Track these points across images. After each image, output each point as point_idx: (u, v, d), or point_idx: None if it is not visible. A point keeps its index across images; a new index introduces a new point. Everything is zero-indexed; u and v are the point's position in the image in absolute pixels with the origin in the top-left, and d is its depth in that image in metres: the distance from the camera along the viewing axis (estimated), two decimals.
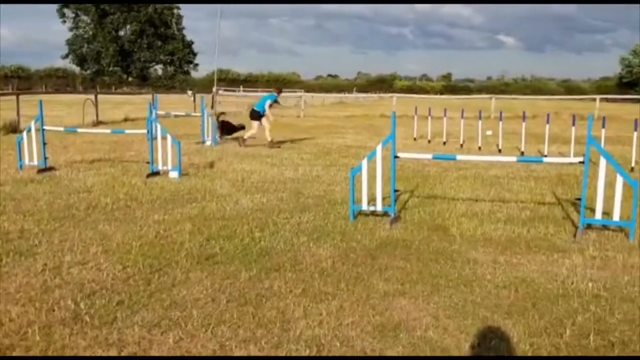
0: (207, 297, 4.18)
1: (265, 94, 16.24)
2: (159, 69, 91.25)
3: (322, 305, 4.08)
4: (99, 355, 3.31)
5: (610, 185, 6.18)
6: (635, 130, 11.19)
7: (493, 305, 4.09)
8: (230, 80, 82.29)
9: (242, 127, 15.89)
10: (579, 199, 6.68)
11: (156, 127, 9.70)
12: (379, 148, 6.69)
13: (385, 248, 5.55)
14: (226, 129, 15.79)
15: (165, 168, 9.64)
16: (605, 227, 6.28)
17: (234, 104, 34.50)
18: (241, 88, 62.11)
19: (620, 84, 76.64)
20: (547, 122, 13.72)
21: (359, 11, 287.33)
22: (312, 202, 7.69)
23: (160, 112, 17.24)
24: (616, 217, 6.08)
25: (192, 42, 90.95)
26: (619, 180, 6.02)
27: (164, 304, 4.07)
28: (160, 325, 3.71)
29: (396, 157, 6.83)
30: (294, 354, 3.36)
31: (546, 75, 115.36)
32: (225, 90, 49.51)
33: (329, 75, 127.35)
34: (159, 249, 5.38)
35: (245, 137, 14.73)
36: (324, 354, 3.36)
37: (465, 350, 3.40)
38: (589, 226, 6.28)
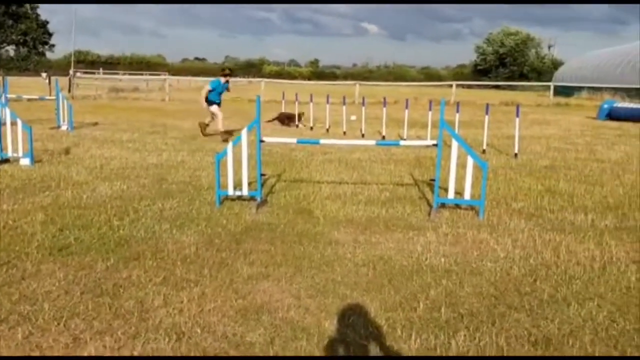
0: (59, 290, 3.96)
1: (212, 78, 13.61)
2: (10, 49, 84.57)
3: (184, 292, 4.00)
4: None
5: (462, 167, 6.57)
6: (487, 114, 11.97)
7: (352, 283, 4.22)
8: (89, 62, 78.18)
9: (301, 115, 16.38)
10: (434, 180, 7.05)
11: (5, 111, 9.01)
12: (244, 132, 6.65)
13: (250, 232, 5.55)
14: (287, 118, 16.30)
15: (15, 155, 8.99)
16: (457, 206, 6.67)
17: (93, 87, 32.79)
18: (101, 70, 59.27)
19: (475, 71, 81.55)
20: (406, 107, 14.34)
21: None
22: (176, 188, 7.52)
23: (11, 96, 16.02)
24: (467, 196, 6.49)
25: (47, 22, 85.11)
26: (470, 162, 6.41)
27: (12, 298, 3.81)
28: (8, 320, 3.47)
29: (261, 141, 6.83)
30: (152, 342, 3.27)
31: (408, 63, 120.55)
32: (84, 72, 46.98)
33: (196, 59, 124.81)
34: (8, 240, 5.02)
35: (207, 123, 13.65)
36: (184, 341, 3.30)
37: (324, 327, 3.49)
38: (442, 205, 6.65)
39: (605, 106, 22.40)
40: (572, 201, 7.10)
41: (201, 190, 7.40)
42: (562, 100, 32.94)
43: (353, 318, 3.62)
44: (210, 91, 13.17)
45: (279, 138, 11.01)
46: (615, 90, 33.22)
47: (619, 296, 4.05)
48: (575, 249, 5.11)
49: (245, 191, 6.73)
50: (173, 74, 51.19)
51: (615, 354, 3.23)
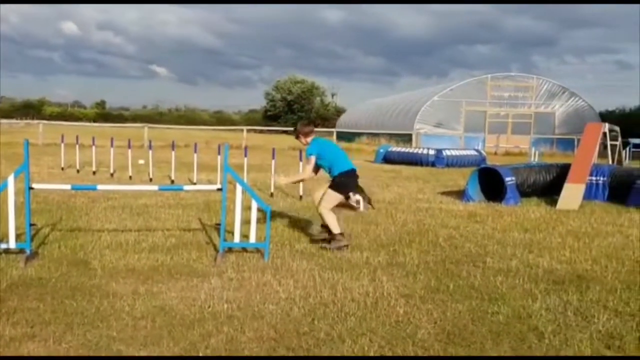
0: None
1: None
2: None
3: None
4: None
5: (249, 210, 6.64)
6: (273, 158, 12.32)
7: (129, 338, 4.00)
8: None
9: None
10: (219, 224, 7.03)
11: None
12: (10, 178, 6.09)
13: (16, 289, 5.04)
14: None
15: None
16: (244, 249, 6.71)
17: None
18: None
19: (265, 116, 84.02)
20: (195, 151, 14.27)
21: (6, 32, 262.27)
22: None
23: None
24: (252, 239, 6.57)
25: None
26: (254, 205, 6.52)
27: None
28: None
29: (31, 188, 6.30)
30: None
31: (200, 106, 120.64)
32: None
33: None
34: None
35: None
36: None
37: None
38: (229, 249, 6.65)
39: (381, 150, 24.43)
40: (349, 240, 7.52)
41: None
42: (344, 145, 35.18)
43: None
44: None
45: (51, 185, 10.28)
46: (391, 135, 36.43)
47: (389, 330, 4.33)
48: (351, 286, 5.39)
49: (12, 243, 6.11)
50: None
51: None
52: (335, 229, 7.02)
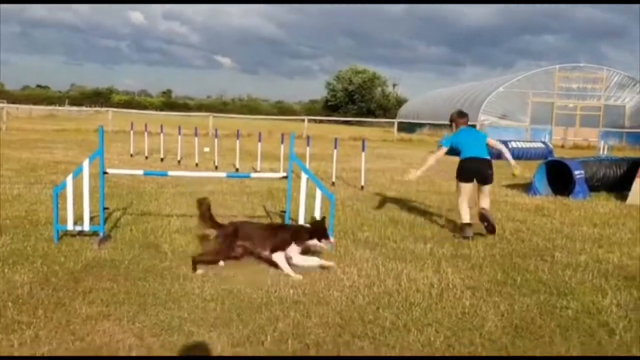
0: None
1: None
2: None
3: (14, 335, 3.69)
4: None
5: (313, 198, 6.69)
6: (335, 148, 12.37)
7: (199, 319, 4.13)
8: None
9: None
10: (284, 212, 7.12)
11: None
12: (85, 163, 6.34)
13: (91, 270, 5.26)
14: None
15: None
16: None
17: None
18: None
19: (326, 106, 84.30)
20: (259, 140, 14.47)
21: (72, 22, 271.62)
22: (10, 223, 6.97)
23: None
24: None
25: None
26: (318, 194, 6.57)
27: None
28: None
29: (105, 172, 6.54)
30: None
31: (261, 97, 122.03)
32: None
33: (38, 86, 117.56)
34: None
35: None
36: None
37: None
38: None
39: (444, 142, 24.09)
40: (413, 231, 7.50)
41: (38, 225, 6.92)
42: (405, 135, 35.00)
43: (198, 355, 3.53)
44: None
45: (124, 170, 10.62)
46: None
47: (455, 321, 4.30)
48: (415, 277, 5.38)
49: (86, 226, 6.38)
50: (12, 102, 47.65)
51: None
52: (463, 219, 7.37)
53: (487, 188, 7.60)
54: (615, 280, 5.47)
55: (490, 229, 7.29)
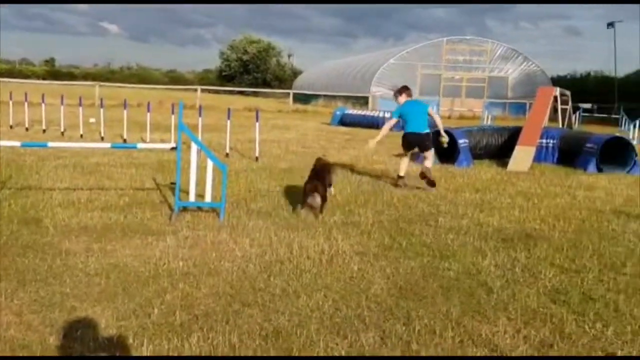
0: None
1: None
2: None
3: None
4: None
5: (205, 169, 6.58)
6: (229, 119, 12.19)
7: (83, 294, 3.98)
8: None
9: None
10: (174, 184, 6.98)
11: None
12: None
13: None
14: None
15: None
16: (199, 209, 6.68)
17: None
18: None
19: (220, 76, 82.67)
20: (148, 110, 14.01)
21: None
22: None
23: None
24: (208, 198, 6.55)
25: None
26: (210, 165, 6.48)
27: None
28: None
29: None
30: None
31: (152, 65, 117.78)
32: None
33: None
34: None
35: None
36: None
37: (48, 343, 3.23)
38: (184, 209, 6.61)
39: (338, 113, 24.43)
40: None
41: None
42: (300, 107, 35.11)
43: (81, 330, 3.41)
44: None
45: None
46: (347, 98, 36.39)
47: (343, 286, 4.41)
48: (306, 244, 5.45)
49: None
50: None
51: (338, 339, 3.49)
52: (399, 173, 9.05)
53: (427, 153, 8.99)
54: (494, 242, 5.80)
55: (430, 184, 8.66)
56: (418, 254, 5.27)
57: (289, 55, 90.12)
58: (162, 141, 13.59)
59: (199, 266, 4.73)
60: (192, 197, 6.61)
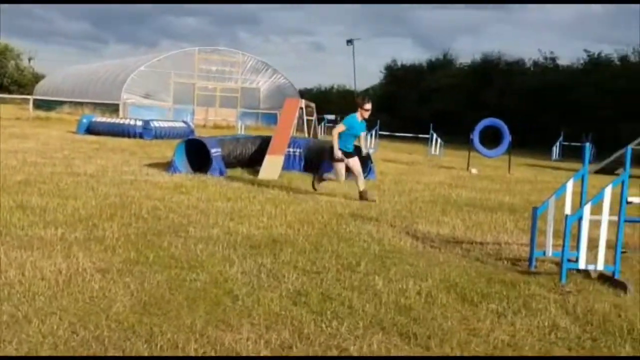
0: None
1: None
2: None
3: None
4: None
5: None
6: None
7: None
8: None
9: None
10: None
11: None
12: None
13: None
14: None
15: None
16: None
17: None
18: None
19: None
20: None
21: None
22: None
23: None
24: None
25: None
26: None
27: None
28: None
29: None
30: None
31: None
32: None
33: None
34: None
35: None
36: None
37: None
38: None
39: (85, 120, 23.02)
40: (44, 216, 6.96)
41: None
42: (42, 114, 32.53)
43: None
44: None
45: None
46: (96, 105, 34.50)
47: (82, 306, 4.10)
48: (42, 265, 4.97)
49: None
50: None
51: None
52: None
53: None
54: (242, 250, 5.89)
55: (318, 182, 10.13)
56: (165, 267, 5.13)
57: (30, 59, 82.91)
58: None
59: None
60: None
